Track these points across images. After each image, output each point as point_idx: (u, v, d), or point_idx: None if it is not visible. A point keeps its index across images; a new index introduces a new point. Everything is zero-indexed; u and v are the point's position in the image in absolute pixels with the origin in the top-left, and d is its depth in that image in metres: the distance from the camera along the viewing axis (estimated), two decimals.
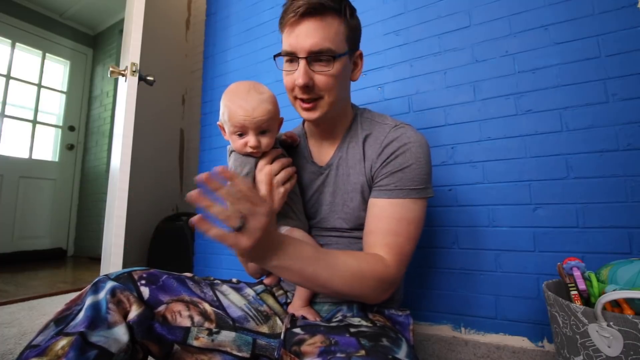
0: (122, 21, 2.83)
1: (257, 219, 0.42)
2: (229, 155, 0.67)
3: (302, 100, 0.64)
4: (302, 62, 0.61)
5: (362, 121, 0.72)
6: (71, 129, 3.30)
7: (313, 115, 0.65)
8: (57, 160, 3.22)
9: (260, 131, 0.62)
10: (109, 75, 1.56)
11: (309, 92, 0.63)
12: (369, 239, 0.62)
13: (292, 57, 0.63)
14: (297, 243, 0.52)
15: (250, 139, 0.61)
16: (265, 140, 0.63)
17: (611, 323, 0.54)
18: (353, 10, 0.67)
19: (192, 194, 0.38)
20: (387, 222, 0.61)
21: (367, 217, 0.65)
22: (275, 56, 0.68)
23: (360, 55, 0.71)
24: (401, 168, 0.62)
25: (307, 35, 0.60)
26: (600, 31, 0.87)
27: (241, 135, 0.62)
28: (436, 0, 1.10)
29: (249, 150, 0.62)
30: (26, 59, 3.06)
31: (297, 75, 0.61)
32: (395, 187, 0.62)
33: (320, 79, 0.62)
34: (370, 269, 0.56)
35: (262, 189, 0.62)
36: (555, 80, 0.91)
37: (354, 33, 0.68)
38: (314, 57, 0.61)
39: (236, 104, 0.61)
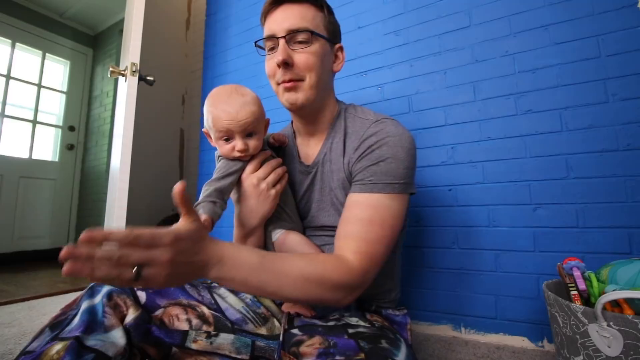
0: (122, 21, 2.83)
1: (156, 262, 0.38)
2: (217, 162, 0.66)
3: (283, 81, 0.63)
4: (282, 42, 0.62)
5: (346, 117, 0.71)
6: (71, 129, 3.30)
7: (294, 96, 0.63)
8: (57, 160, 3.22)
9: (247, 134, 0.61)
10: (109, 75, 1.56)
11: (290, 71, 0.62)
12: (340, 232, 0.59)
13: (272, 39, 0.64)
14: (238, 253, 0.47)
15: (238, 143, 0.60)
16: (252, 143, 0.61)
17: (611, 323, 0.54)
18: (331, 9, 0.69)
19: (65, 270, 0.32)
20: (358, 218, 0.57)
21: (343, 211, 0.61)
22: (256, 42, 0.68)
23: (341, 49, 0.72)
24: (376, 162, 0.59)
25: (284, 18, 0.63)
26: (600, 31, 0.87)
27: (227, 140, 0.61)
28: (436, 0, 1.10)
29: (236, 154, 0.61)
30: (26, 59, 3.07)
31: (276, 55, 0.62)
32: (369, 181, 0.59)
33: (299, 58, 0.62)
34: (330, 273, 0.51)
35: (253, 193, 0.62)
36: (555, 80, 0.91)
37: (333, 26, 0.69)
38: (293, 36, 0.62)
39: (219, 108, 0.59)
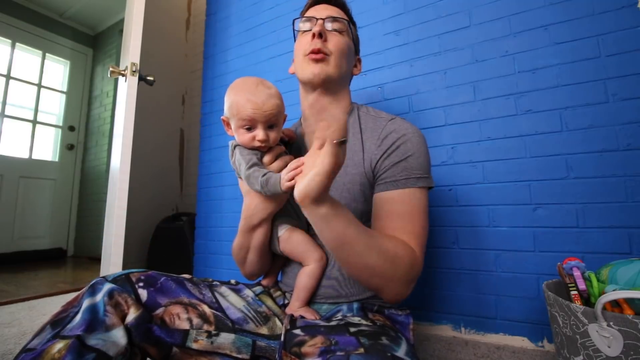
0: (122, 21, 2.83)
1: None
2: (232, 150, 0.66)
3: (313, 52, 0.67)
4: (320, 21, 0.69)
5: (360, 115, 0.73)
6: (71, 129, 3.30)
7: (319, 68, 0.67)
8: (57, 160, 3.22)
9: (269, 125, 0.62)
10: (109, 75, 1.56)
11: (321, 43, 0.67)
12: (387, 232, 0.60)
13: (311, 20, 0.71)
14: (345, 207, 0.52)
15: (259, 133, 0.61)
16: (273, 135, 0.63)
17: (611, 323, 0.54)
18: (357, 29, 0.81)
19: None
20: (402, 212, 0.60)
21: (378, 211, 0.63)
22: (293, 20, 0.76)
23: (360, 60, 0.81)
24: (404, 157, 0.63)
25: (325, 10, 0.73)
26: (600, 31, 0.87)
27: (249, 129, 0.62)
28: (436, 0, 1.10)
29: (257, 144, 0.62)
30: (26, 59, 3.07)
31: (314, 29, 0.68)
32: (401, 177, 0.62)
33: (333, 38, 0.70)
34: (403, 253, 0.55)
35: None
36: (555, 80, 0.91)
37: (357, 38, 0.79)
38: (331, 20, 0.70)
39: (245, 97, 0.61)
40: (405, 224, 0.60)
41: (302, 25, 0.73)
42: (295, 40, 0.77)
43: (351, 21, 0.76)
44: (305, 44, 0.69)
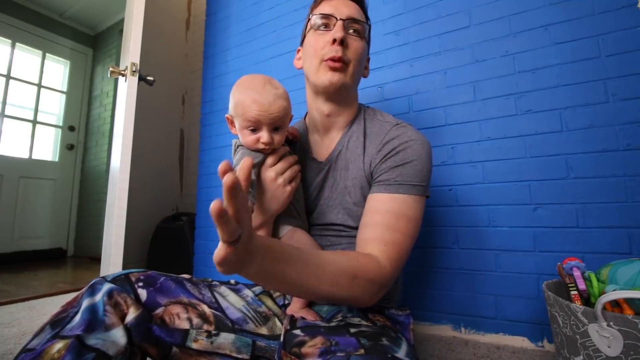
0: (122, 21, 2.83)
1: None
2: (235, 150, 0.65)
3: (333, 59, 0.64)
4: (340, 22, 0.64)
5: (366, 117, 0.72)
6: (71, 129, 3.30)
7: (337, 77, 0.65)
8: (57, 160, 3.22)
9: (274, 127, 0.60)
10: (109, 75, 1.56)
11: (342, 50, 0.64)
12: (365, 234, 0.59)
13: (329, 17, 0.66)
14: (278, 245, 0.45)
15: (264, 135, 0.59)
16: (277, 137, 0.61)
17: (611, 323, 0.54)
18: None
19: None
20: (386, 217, 0.58)
21: (365, 212, 0.62)
22: (310, 14, 0.70)
23: (368, 60, 0.77)
24: (402, 163, 0.61)
25: (345, 6, 0.67)
26: (600, 31, 0.87)
27: (254, 130, 0.60)
28: (436, 0, 1.10)
29: (260, 146, 0.60)
30: (26, 59, 3.07)
31: (334, 32, 0.64)
32: (395, 181, 0.61)
33: (353, 43, 0.66)
34: (363, 269, 0.52)
35: (270, 186, 0.62)
36: (555, 80, 0.91)
37: (370, 38, 0.76)
38: (351, 23, 0.66)
39: (251, 97, 0.59)
40: (386, 230, 0.57)
41: (319, 22, 0.67)
42: (305, 30, 0.72)
43: (368, 20, 0.72)
44: (323, 46, 0.65)
